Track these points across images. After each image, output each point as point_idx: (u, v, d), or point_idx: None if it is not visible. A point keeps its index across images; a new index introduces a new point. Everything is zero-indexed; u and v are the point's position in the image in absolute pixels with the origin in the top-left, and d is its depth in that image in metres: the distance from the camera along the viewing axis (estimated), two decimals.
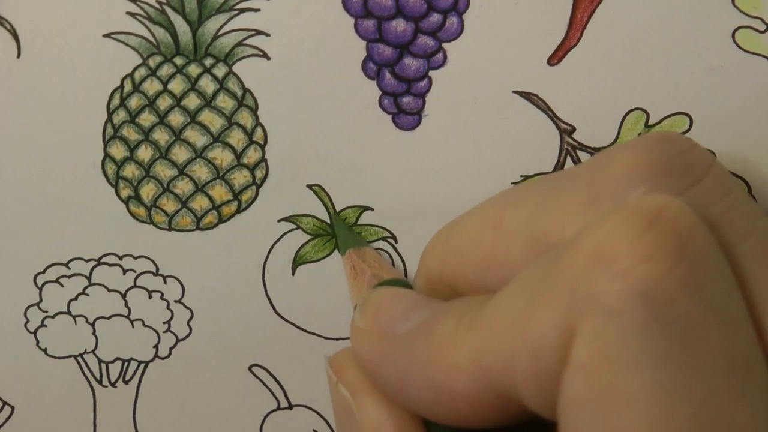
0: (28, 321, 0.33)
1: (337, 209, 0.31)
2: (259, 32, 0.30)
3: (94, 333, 0.33)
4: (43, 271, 0.32)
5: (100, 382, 0.33)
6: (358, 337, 0.23)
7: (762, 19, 0.29)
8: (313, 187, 0.31)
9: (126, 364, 0.33)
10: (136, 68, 0.30)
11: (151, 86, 0.30)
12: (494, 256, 0.21)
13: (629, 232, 0.17)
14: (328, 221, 0.32)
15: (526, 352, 0.18)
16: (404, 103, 0.30)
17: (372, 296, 0.24)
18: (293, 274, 0.32)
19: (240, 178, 0.31)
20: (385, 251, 0.32)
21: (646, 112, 0.30)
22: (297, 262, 0.32)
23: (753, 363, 0.17)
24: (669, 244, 0.17)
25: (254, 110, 0.30)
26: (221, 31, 0.30)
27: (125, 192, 0.31)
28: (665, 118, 0.30)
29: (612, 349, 0.17)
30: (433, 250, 0.24)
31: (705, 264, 0.17)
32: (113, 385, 0.33)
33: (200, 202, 0.31)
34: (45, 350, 0.33)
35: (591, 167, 0.20)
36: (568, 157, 0.31)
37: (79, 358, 0.33)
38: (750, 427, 0.17)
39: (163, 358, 0.33)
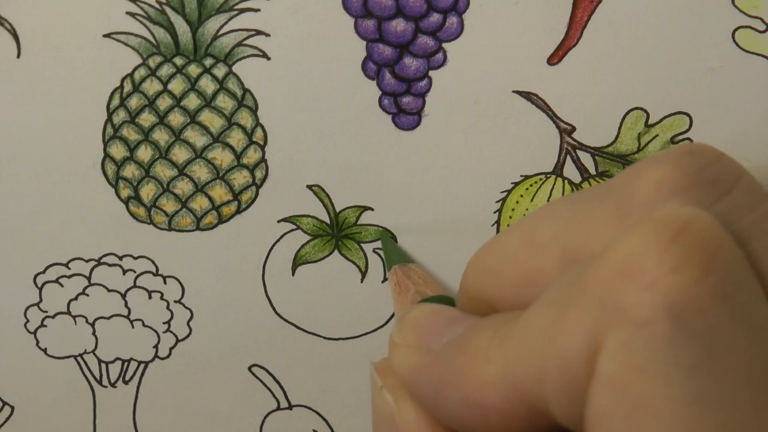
0: (28, 321, 0.33)
1: (337, 209, 0.31)
2: (259, 32, 0.30)
3: (94, 333, 0.33)
4: (43, 271, 0.32)
5: (100, 382, 0.33)
6: (395, 351, 0.23)
7: (762, 19, 0.29)
8: (313, 188, 0.31)
9: (126, 364, 0.33)
10: (136, 68, 0.30)
11: (151, 86, 0.30)
12: (528, 272, 0.22)
13: (656, 244, 0.17)
14: (328, 222, 0.32)
15: (555, 365, 0.18)
16: (404, 103, 0.30)
17: (411, 312, 0.24)
18: (293, 275, 0.32)
19: (240, 178, 0.31)
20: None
21: (646, 111, 0.30)
22: (297, 262, 0.32)
23: None
24: (696, 255, 0.17)
25: (254, 110, 0.30)
26: (221, 31, 0.30)
27: (125, 192, 0.31)
28: (665, 117, 0.30)
29: (639, 361, 0.17)
30: (472, 267, 0.24)
31: (732, 275, 0.17)
32: (113, 385, 0.33)
33: (200, 203, 0.31)
34: (45, 350, 0.33)
35: (620, 182, 0.21)
36: (568, 157, 0.31)
37: (79, 358, 0.33)
38: None
39: (163, 359, 0.33)
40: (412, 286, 0.29)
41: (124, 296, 0.32)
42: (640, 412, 0.17)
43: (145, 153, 0.31)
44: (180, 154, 0.31)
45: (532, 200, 0.31)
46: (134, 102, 0.30)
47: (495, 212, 0.31)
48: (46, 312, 0.32)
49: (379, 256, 0.32)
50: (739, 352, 0.17)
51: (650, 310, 0.17)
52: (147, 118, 0.30)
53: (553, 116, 0.30)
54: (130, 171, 0.31)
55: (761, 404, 0.17)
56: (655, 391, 0.16)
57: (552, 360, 0.18)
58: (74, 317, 0.33)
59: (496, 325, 0.21)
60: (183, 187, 0.31)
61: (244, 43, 0.30)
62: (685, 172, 0.20)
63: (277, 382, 0.33)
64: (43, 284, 0.32)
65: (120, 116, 0.30)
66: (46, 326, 0.33)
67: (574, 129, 0.30)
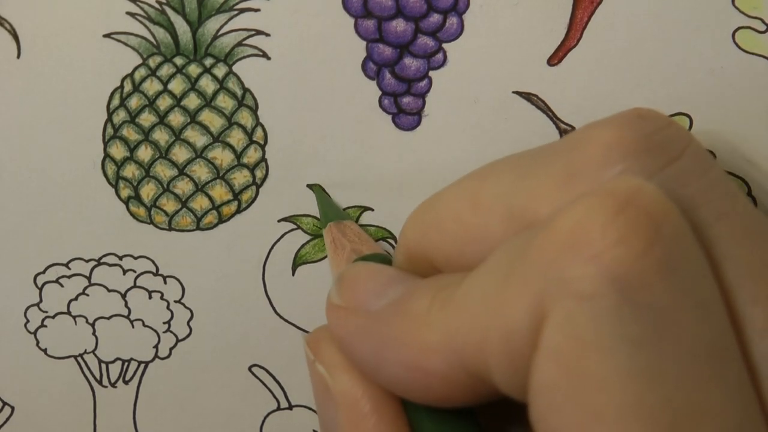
0: (28, 321, 0.33)
1: None
2: (259, 32, 0.30)
3: (94, 333, 0.33)
4: (43, 271, 0.32)
5: (100, 382, 0.33)
6: (333, 314, 0.23)
7: (762, 20, 0.29)
8: (313, 187, 0.31)
9: (126, 364, 0.33)
10: (136, 68, 0.30)
11: (151, 86, 0.30)
12: (472, 231, 0.21)
13: (601, 216, 0.17)
14: None
15: (498, 335, 0.18)
16: (404, 103, 0.30)
17: (348, 272, 0.24)
18: (293, 275, 0.32)
19: (240, 178, 0.31)
20: (386, 251, 0.32)
21: None
22: (297, 262, 0.32)
23: (726, 346, 0.17)
24: (641, 228, 0.17)
25: (254, 110, 0.30)
26: (221, 31, 0.30)
27: (125, 192, 0.31)
28: None
29: (584, 334, 0.17)
30: (412, 224, 0.24)
31: (678, 248, 0.17)
32: (113, 385, 0.33)
33: (200, 202, 0.31)
34: (45, 350, 0.33)
35: (568, 143, 0.20)
36: None
37: (79, 359, 0.33)
38: (723, 410, 0.17)
39: (163, 359, 0.33)
40: (348, 244, 0.28)
41: (124, 296, 0.32)
42: (584, 385, 0.16)
43: (145, 153, 0.31)
44: (180, 153, 0.31)
45: None
46: (134, 102, 0.30)
47: None
48: (46, 312, 0.32)
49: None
50: (684, 326, 0.17)
51: (595, 283, 0.17)
52: (147, 118, 0.30)
53: (553, 117, 0.30)
54: (130, 171, 0.31)
55: (705, 377, 0.17)
56: (599, 365, 0.16)
57: (495, 329, 0.18)
58: (74, 317, 0.33)
59: (437, 288, 0.21)
60: (183, 186, 0.31)
61: (244, 43, 0.30)
62: (634, 136, 0.19)
63: (277, 382, 0.33)
64: (43, 284, 0.32)
65: (120, 116, 0.30)
66: (46, 326, 0.33)
67: (573, 129, 0.30)
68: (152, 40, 0.30)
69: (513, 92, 0.30)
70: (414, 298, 0.21)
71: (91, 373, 0.33)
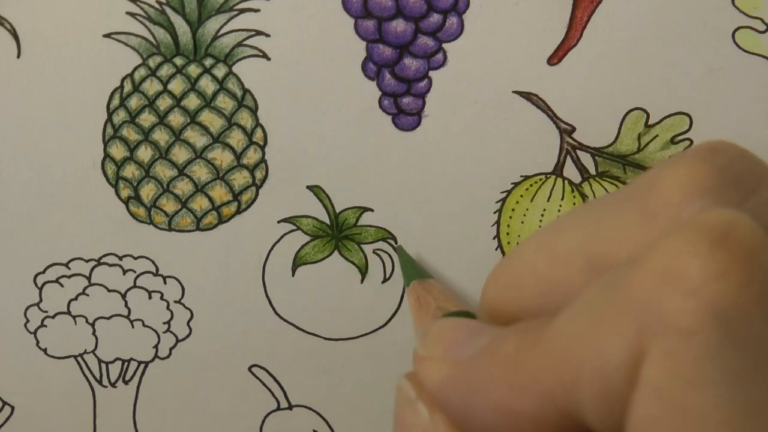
0: (28, 321, 0.33)
1: (337, 210, 0.31)
2: (259, 32, 0.30)
3: (94, 333, 0.33)
4: (43, 271, 0.32)
5: (100, 382, 0.33)
6: (421, 365, 0.23)
7: (762, 20, 0.29)
8: (313, 188, 0.31)
9: (126, 364, 0.33)
10: (136, 68, 0.30)
11: (151, 86, 0.30)
12: (551, 283, 0.21)
13: (700, 249, 0.17)
14: (328, 222, 0.32)
15: (593, 372, 0.18)
16: (404, 103, 0.30)
17: (434, 326, 0.24)
18: (293, 275, 0.32)
19: (240, 178, 0.31)
20: (386, 251, 0.32)
21: (646, 112, 0.30)
22: (297, 263, 0.32)
23: None
24: (740, 260, 0.17)
25: (254, 111, 0.30)
26: (221, 32, 0.30)
27: (125, 192, 0.31)
28: (665, 118, 0.30)
29: (685, 369, 0.16)
30: (491, 283, 0.24)
31: None
32: (113, 385, 0.33)
33: (200, 203, 0.31)
34: (45, 350, 0.33)
35: (642, 184, 0.20)
36: (568, 157, 0.31)
37: (79, 358, 0.33)
38: None
39: (163, 359, 0.33)
40: (433, 302, 0.28)
41: (124, 296, 0.32)
42: (686, 421, 0.16)
43: (145, 153, 0.31)
44: (180, 154, 0.31)
45: (532, 200, 0.31)
46: (134, 102, 0.30)
47: (495, 212, 0.31)
48: (46, 312, 0.32)
49: (379, 257, 0.32)
50: None
51: (696, 318, 0.17)
52: (147, 118, 0.30)
53: (553, 116, 0.30)
54: (130, 171, 0.31)
55: None
56: (701, 400, 0.16)
57: (589, 367, 0.18)
58: (74, 317, 0.33)
59: (524, 330, 0.21)
60: (183, 187, 0.31)
61: (244, 43, 0.30)
62: (709, 171, 0.19)
63: (277, 382, 0.33)
64: (43, 284, 0.32)
65: (120, 116, 0.30)
66: (46, 326, 0.33)
67: (574, 129, 0.30)
68: (152, 40, 0.30)
69: (513, 92, 0.30)
70: (502, 343, 0.21)
71: (91, 373, 0.33)
